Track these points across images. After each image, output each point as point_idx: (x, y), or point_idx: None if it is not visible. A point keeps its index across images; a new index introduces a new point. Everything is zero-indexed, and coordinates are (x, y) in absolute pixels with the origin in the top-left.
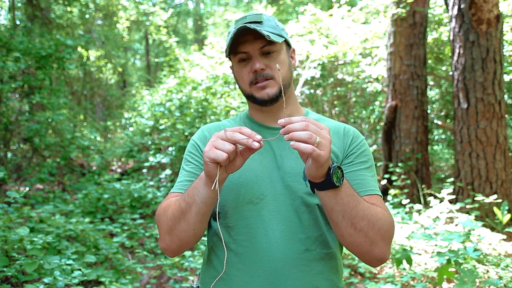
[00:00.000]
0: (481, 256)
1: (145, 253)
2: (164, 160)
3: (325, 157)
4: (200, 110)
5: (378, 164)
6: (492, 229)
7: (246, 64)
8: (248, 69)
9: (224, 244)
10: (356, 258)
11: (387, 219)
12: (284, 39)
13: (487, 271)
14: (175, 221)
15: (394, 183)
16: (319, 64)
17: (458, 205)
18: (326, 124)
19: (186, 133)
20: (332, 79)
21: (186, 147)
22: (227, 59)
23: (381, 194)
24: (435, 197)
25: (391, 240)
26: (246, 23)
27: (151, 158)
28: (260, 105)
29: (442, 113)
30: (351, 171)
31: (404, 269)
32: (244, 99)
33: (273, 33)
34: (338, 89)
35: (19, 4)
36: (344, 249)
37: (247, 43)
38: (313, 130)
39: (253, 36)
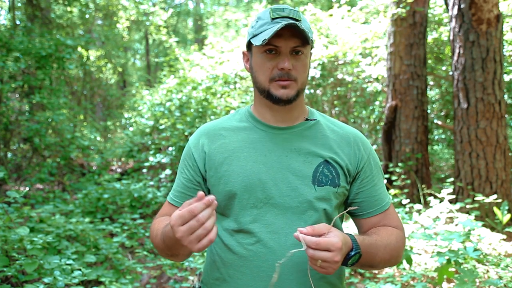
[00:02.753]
0: (481, 256)
1: (145, 253)
2: (164, 160)
3: (326, 274)
4: (200, 110)
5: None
6: (492, 229)
7: (272, 57)
8: (273, 64)
9: (226, 247)
10: None
11: (401, 241)
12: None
13: (487, 271)
14: (166, 253)
15: (394, 183)
16: (319, 64)
17: (458, 205)
18: (334, 127)
19: (186, 133)
20: (332, 79)
21: (184, 149)
22: (228, 57)
23: (391, 199)
24: (435, 197)
25: (404, 249)
26: (285, 16)
27: (151, 158)
28: (273, 103)
29: (442, 113)
30: (371, 187)
31: (404, 269)
32: (244, 100)
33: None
34: (338, 89)
35: (19, 4)
36: None
37: (281, 38)
38: (317, 256)
39: (290, 32)
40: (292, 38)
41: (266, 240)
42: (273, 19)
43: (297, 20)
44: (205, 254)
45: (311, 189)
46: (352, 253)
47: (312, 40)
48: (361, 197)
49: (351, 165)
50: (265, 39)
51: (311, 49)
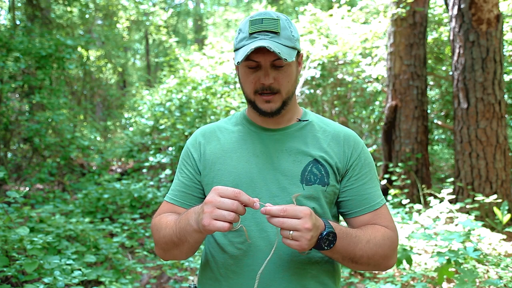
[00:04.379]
0: (481, 256)
1: (145, 253)
2: (164, 160)
3: (300, 247)
4: (200, 110)
5: (378, 164)
6: (492, 229)
7: (254, 71)
8: (255, 77)
9: (218, 245)
10: None
11: (388, 240)
12: (297, 51)
13: (487, 271)
14: (168, 247)
15: (394, 183)
16: (319, 64)
17: (458, 205)
18: (326, 126)
19: (186, 133)
20: (332, 79)
21: (182, 150)
22: (228, 57)
23: (385, 201)
24: (435, 197)
25: (395, 251)
26: (262, 31)
27: (151, 158)
28: (260, 114)
29: (442, 113)
30: (359, 186)
31: (404, 269)
32: (244, 100)
33: (288, 47)
34: (338, 89)
35: (19, 4)
36: None
37: (259, 53)
38: (287, 224)
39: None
40: (270, 52)
41: (256, 238)
42: (250, 34)
43: (275, 33)
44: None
45: (299, 188)
46: (325, 232)
47: (294, 48)
48: (349, 195)
49: (341, 163)
50: (239, 61)
51: (298, 54)
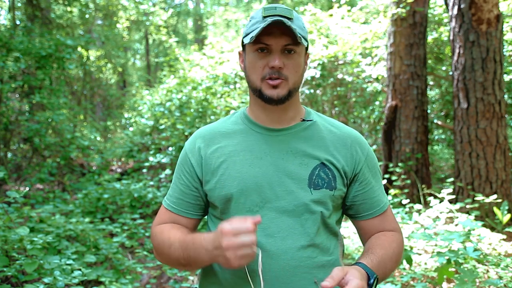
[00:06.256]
0: (481, 256)
1: (145, 253)
2: (164, 160)
3: None
4: (200, 110)
5: (378, 164)
6: (492, 229)
7: (263, 56)
8: (264, 62)
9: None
10: (356, 258)
11: (400, 247)
12: (307, 43)
13: (487, 271)
14: (174, 265)
15: (394, 183)
16: (319, 64)
17: (458, 205)
18: (331, 127)
19: (186, 133)
20: (332, 79)
21: (180, 154)
22: (228, 57)
23: (389, 201)
24: (435, 197)
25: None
26: (277, 15)
27: (151, 158)
28: (265, 102)
29: (442, 113)
30: (369, 190)
31: (404, 269)
32: (244, 100)
33: (301, 35)
34: (338, 89)
35: (19, 4)
36: (345, 249)
37: (271, 36)
38: None
39: (280, 30)
40: (283, 36)
41: (262, 243)
42: (264, 17)
43: (288, 19)
44: None
45: (307, 193)
46: (371, 281)
47: (305, 39)
48: (360, 199)
49: (348, 167)
50: (252, 36)
51: (306, 49)
